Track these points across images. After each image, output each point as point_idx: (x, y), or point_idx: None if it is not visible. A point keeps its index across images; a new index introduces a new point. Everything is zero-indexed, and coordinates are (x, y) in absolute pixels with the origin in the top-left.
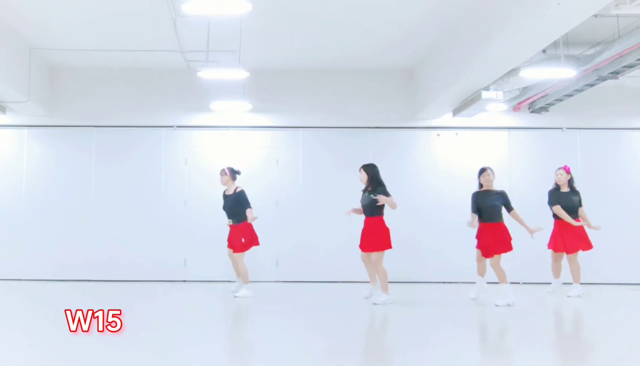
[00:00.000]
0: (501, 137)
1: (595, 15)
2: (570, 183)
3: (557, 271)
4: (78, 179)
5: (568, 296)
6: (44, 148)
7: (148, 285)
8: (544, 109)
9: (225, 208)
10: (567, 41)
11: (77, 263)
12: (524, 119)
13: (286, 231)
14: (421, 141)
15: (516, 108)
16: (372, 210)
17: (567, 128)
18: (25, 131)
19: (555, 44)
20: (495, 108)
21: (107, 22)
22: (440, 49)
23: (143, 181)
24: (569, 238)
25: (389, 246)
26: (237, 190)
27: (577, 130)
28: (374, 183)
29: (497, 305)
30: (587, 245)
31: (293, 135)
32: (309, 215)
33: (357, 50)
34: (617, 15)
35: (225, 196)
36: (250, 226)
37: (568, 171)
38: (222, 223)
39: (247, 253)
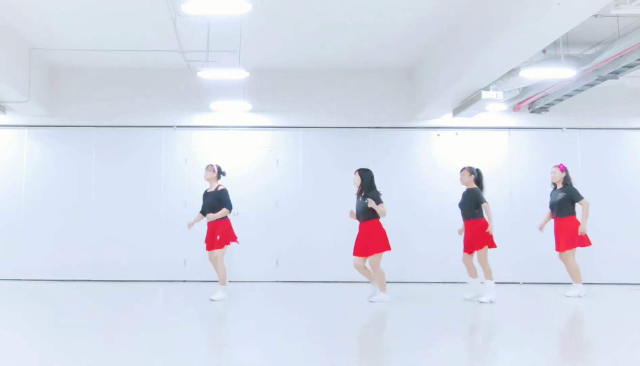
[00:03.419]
0: (501, 137)
1: (595, 15)
2: (565, 180)
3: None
4: (78, 179)
5: (567, 296)
6: (44, 148)
7: (148, 285)
8: (544, 109)
9: (204, 205)
10: (567, 41)
11: (77, 263)
12: (524, 119)
13: (286, 231)
14: (421, 141)
15: (516, 108)
16: (367, 215)
17: (567, 128)
18: (25, 131)
19: (555, 44)
20: (495, 108)
21: (107, 22)
22: (440, 49)
23: (143, 181)
24: (559, 236)
25: (388, 248)
26: (220, 188)
27: (577, 130)
28: (366, 188)
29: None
30: (574, 243)
31: (293, 135)
32: (309, 215)
33: (357, 50)
34: (617, 15)
35: (206, 194)
36: (227, 223)
37: (563, 169)
38: None
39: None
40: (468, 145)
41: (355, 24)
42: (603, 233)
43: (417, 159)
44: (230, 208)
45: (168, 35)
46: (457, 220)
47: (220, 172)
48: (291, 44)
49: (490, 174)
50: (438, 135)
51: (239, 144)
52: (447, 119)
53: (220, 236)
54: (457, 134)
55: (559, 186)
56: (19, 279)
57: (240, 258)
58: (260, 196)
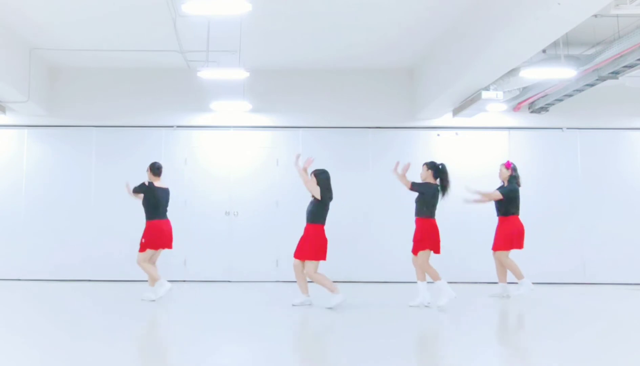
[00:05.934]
0: (501, 137)
1: (595, 15)
2: (511, 178)
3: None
4: (78, 179)
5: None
6: (44, 148)
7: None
8: (544, 109)
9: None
10: (567, 41)
11: (77, 263)
12: (524, 119)
13: (286, 231)
14: (421, 141)
15: (516, 108)
16: (313, 217)
17: (567, 128)
18: (25, 131)
19: (555, 44)
20: (495, 108)
21: (107, 22)
22: (440, 49)
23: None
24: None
25: (323, 257)
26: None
27: (577, 130)
28: (320, 188)
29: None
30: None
31: (293, 135)
32: None
33: (357, 50)
34: (617, 15)
35: None
36: (157, 227)
37: (508, 167)
38: (222, 223)
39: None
40: (468, 145)
41: (355, 24)
42: (603, 233)
43: (417, 159)
44: (135, 190)
45: (168, 35)
46: (456, 220)
47: (154, 169)
48: (291, 44)
49: (490, 174)
50: (438, 135)
51: (239, 144)
52: (447, 119)
53: (145, 239)
54: (457, 134)
55: (505, 184)
56: (19, 279)
57: (240, 258)
58: (260, 196)
